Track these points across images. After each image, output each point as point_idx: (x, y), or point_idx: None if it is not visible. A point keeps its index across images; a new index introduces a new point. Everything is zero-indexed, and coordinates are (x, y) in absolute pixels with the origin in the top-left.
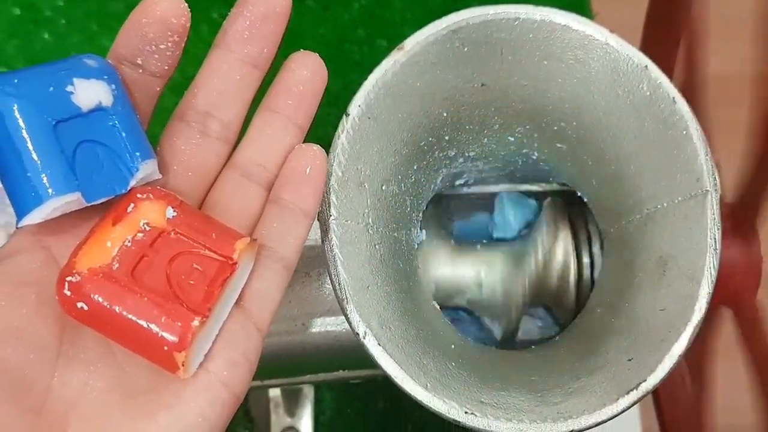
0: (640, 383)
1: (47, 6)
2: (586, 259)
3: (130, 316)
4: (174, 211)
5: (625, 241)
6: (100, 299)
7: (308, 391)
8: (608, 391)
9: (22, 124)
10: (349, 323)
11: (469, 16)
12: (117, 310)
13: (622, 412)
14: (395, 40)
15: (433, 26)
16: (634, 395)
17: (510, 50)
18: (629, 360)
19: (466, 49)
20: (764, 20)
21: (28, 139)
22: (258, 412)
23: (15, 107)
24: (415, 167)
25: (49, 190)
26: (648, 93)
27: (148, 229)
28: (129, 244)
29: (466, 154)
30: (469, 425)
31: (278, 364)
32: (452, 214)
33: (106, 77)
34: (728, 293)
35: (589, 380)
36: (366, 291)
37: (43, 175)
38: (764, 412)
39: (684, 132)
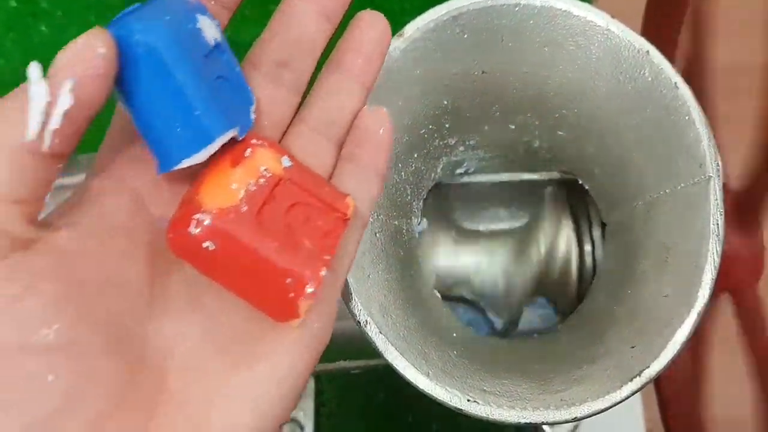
0: (643, 370)
1: None
2: (588, 248)
3: (258, 260)
4: (289, 161)
5: (627, 228)
6: (230, 241)
7: (309, 383)
8: (611, 379)
9: (182, 61)
10: (350, 311)
11: (469, 2)
12: (246, 253)
13: (626, 399)
14: (395, 29)
15: (434, 12)
16: (638, 382)
17: (511, 37)
18: (632, 347)
19: (466, 35)
20: None
21: (190, 76)
22: None
23: (171, 43)
24: (415, 155)
25: (219, 127)
26: (650, 78)
27: (268, 175)
28: (254, 189)
29: (467, 142)
30: (472, 413)
31: None
32: (453, 203)
33: (208, 14)
34: (729, 281)
35: (591, 368)
36: (367, 279)
37: (211, 111)
38: (762, 399)
39: (686, 117)
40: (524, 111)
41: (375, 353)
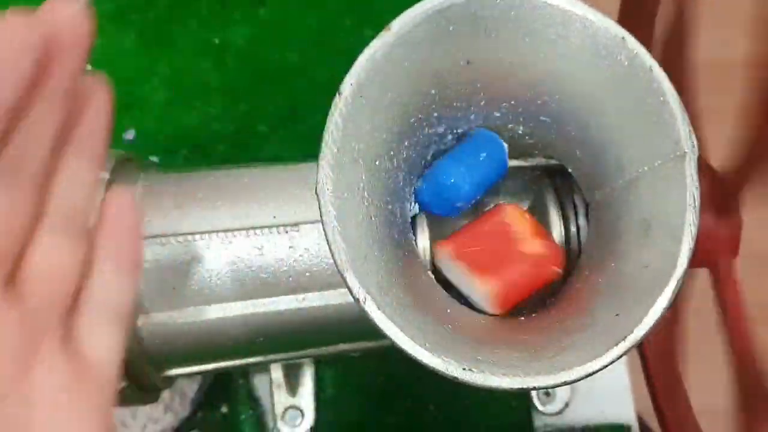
0: (628, 335)
1: None
2: (573, 228)
3: None
4: None
5: (609, 206)
6: None
7: (309, 370)
8: (598, 344)
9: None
10: (350, 290)
11: None
12: None
13: (612, 362)
14: (382, 29)
15: (420, 6)
16: (623, 346)
17: (493, 28)
18: (617, 315)
19: (451, 27)
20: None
21: None
22: (262, 392)
23: None
24: (406, 143)
25: None
26: (626, 63)
27: None
28: None
29: (455, 131)
30: (467, 381)
31: (280, 339)
32: None
33: None
34: (708, 257)
35: (579, 336)
36: (364, 260)
37: None
38: (736, 377)
39: (661, 98)
40: (508, 99)
41: (373, 336)
